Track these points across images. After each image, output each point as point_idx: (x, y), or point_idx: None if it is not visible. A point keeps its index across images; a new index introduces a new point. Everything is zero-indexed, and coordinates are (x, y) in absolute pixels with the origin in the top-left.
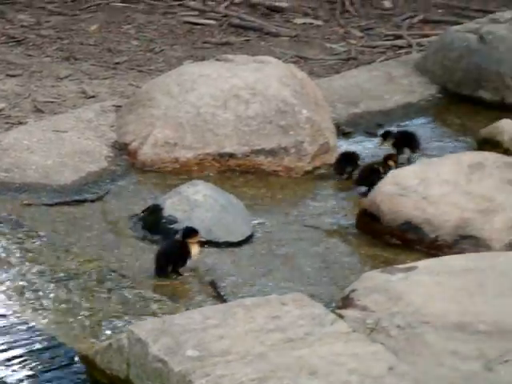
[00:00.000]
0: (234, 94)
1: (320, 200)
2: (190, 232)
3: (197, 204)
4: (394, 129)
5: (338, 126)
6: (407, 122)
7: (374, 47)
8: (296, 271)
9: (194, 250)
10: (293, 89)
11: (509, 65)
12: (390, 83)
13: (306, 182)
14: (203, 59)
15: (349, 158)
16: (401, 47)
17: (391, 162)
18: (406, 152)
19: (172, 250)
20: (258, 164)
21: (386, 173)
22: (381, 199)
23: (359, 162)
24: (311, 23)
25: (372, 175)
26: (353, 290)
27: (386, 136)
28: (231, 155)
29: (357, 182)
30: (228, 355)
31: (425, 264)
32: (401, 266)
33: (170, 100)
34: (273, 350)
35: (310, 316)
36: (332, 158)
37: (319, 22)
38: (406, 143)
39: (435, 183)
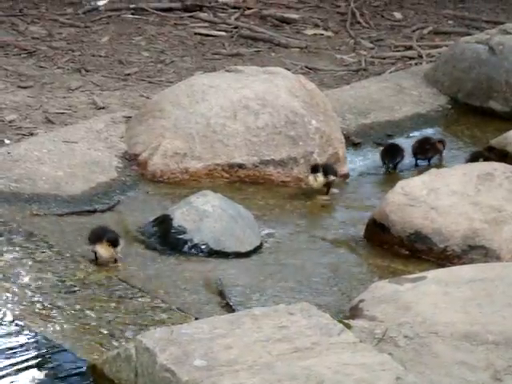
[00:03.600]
0: (243, 105)
1: (329, 211)
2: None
3: (206, 214)
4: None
5: (347, 137)
6: (416, 133)
7: (384, 58)
8: (304, 281)
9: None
10: (302, 99)
11: None
12: (399, 94)
13: (315, 192)
14: (213, 70)
15: (394, 150)
16: (411, 58)
17: (440, 146)
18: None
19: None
20: (267, 174)
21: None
22: (390, 209)
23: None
24: (321, 34)
25: (430, 148)
26: (361, 300)
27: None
28: (241, 166)
29: (415, 154)
30: (235, 365)
31: (433, 274)
32: (409, 276)
33: (179, 111)
34: (280, 360)
35: (318, 326)
36: (341, 169)
37: (329, 33)
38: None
39: (444, 194)
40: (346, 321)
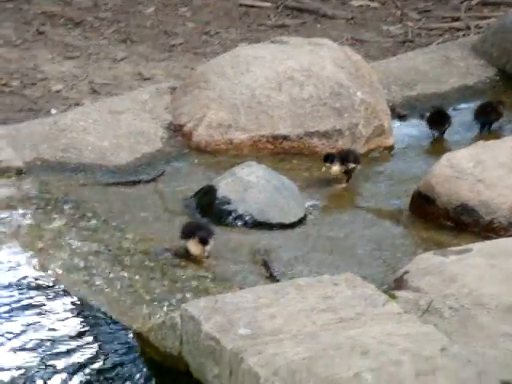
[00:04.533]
0: (288, 76)
1: (374, 182)
2: None
3: (250, 185)
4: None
5: (393, 109)
6: (463, 105)
7: (432, 29)
8: (348, 253)
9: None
10: (347, 71)
11: None
12: (446, 66)
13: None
14: (258, 42)
15: (441, 115)
16: (458, 29)
17: (501, 108)
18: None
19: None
20: (311, 146)
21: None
22: (436, 181)
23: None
24: (368, 5)
25: (491, 111)
26: (406, 272)
27: (328, 159)
28: (285, 137)
29: (476, 116)
30: (280, 334)
31: (479, 246)
32: (455, 249)
33: (224, 82)
34: (324, 330)
35: (362, 296)
36: (387, 141)
37: (376, 4)
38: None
39: (491, 166)
40: (391, 292)
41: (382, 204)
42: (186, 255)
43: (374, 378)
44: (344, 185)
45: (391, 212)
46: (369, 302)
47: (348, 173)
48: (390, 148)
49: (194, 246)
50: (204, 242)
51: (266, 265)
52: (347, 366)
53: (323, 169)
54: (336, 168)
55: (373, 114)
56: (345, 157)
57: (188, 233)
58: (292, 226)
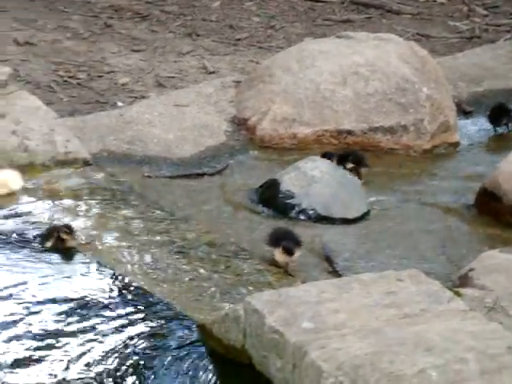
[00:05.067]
0: (353, 71)
1: (438, 179)
2: None
3: (314, 180)
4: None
5: (458, 105)
6: None
7: (499, 25)
8: (412, 249)
9: None
10: (413, 66)
11: None
12: None
13: (424, 160)
14: (323, 36)
15: (503, 109)
16: None
17: None
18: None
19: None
20: (376, 141)
21: None
22: (503, 178)
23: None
24: (434, 0)
25: None
26: (471, 269)
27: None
28: (349, 132)
29: None
30: (343, 329)
31: None
32: None
33: (289, 76)
34: (388, 326)
35: (427, 293)
36: (452, 137)
37: (442, 0)
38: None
39: None
40: (455, 289)
41: (447, 200)
42: (273, 261)
43: (439, 375)
44: None
45: (456, 208)
46: (434, 299)
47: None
48: (456, 144)
49: (279, 255)
50: (289, 252)
51: (328, 259)
52: (412, 363)
53: None
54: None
55: (438, 110)
56: (344, 157)
57: (274, 241)
58: (355, 220)
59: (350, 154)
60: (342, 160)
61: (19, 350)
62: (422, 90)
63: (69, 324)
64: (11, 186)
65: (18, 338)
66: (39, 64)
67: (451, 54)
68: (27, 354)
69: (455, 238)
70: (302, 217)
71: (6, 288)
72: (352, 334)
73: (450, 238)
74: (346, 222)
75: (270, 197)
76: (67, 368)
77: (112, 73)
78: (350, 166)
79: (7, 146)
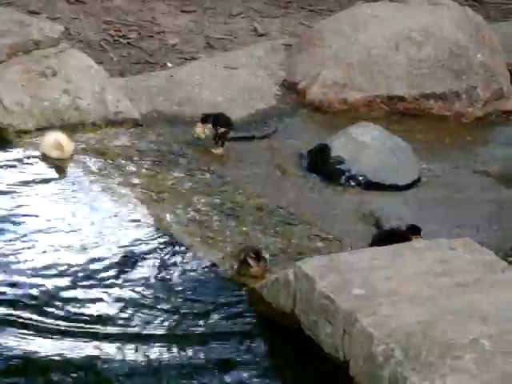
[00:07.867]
0: (406, 36)
1: (491, 147)
2: None
3: (365, 146)
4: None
5: None
6: None
7: None
8: (463, 217)
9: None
10: (468, 32)
11: None
12: None
13: (476, 128)
14: (376, 0)
15: None
16: None
17: None
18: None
19: None
20: (427, 108)
21: None
22: None
23: None
24: None
25: None
26: None
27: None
28: (400, 98)
29: None
30: (394, 296)
31: None
32: None
33: (340, 40)
34: (441, 294)
35: (481, 262)
36: (505, 105)
37: None
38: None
39: None
40: (510, 259)
41: (500, 168)
42: None
43: (492, 345)
44: (220, 150)
45: (509, 176)
46: (487, 268)
47: (218, 137)
48: (509, 112)
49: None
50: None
51: (378, 226)
52: (464, 332)
53: (198, 130)
54: (199, 129)
55: (492, 77)
56: (215, 120)
57: (379, 243)
58: (406, 187)
59: (219, 118)
60: (215, 123)
61: None
62: (476, 56)
63: None
64: (65, 147)
65: None
66: (89, 22)
67: (506, 20)
68: None
69: (508, 207)
70: (352, 183)
71: None
72: (404, 302)
73: (502, 208)
74: (397, 188)
75: (320, 162)
76: None
77: (162, 33)
78: (221, 130)
79: (59, 104)
